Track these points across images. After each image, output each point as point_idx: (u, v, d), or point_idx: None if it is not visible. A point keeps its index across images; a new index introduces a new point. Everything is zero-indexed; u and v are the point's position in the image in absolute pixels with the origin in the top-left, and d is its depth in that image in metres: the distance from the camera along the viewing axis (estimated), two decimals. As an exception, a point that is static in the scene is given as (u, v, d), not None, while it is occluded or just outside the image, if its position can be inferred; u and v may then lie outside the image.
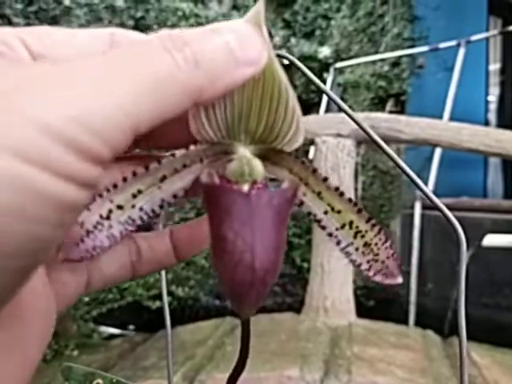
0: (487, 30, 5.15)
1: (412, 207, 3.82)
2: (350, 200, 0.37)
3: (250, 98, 0.32)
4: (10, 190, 0.22)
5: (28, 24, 3.40)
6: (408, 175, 0.40)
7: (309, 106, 4.23)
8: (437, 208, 0.39)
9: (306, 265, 3.71)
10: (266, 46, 0.30)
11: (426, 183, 3.97)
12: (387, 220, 4.34)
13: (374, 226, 0.37)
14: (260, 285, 0.31)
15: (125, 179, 0.34)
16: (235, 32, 0.29)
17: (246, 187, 0.34)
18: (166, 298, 0.54)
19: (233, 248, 0.31)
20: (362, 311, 3.15)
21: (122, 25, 3.61)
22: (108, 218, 0.34)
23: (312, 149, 3.21)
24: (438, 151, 3.90)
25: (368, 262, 0.38)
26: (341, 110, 0.43)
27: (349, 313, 3.07)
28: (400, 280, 0.39)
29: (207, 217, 0.34)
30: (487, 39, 5.08)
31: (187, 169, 0.35)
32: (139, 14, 3.73)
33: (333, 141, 3.00)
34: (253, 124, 0.34)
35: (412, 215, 3.83)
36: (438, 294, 3.69)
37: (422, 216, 3.74)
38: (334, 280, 3.04)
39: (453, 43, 4.17)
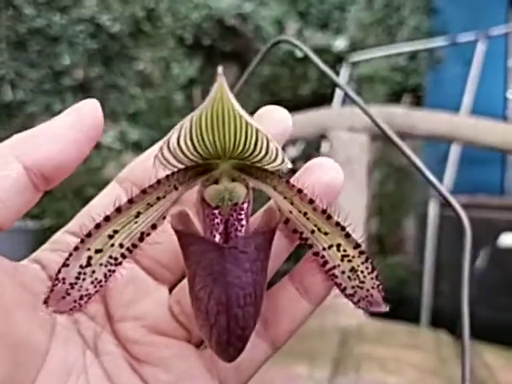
0: (506, 24, 5.05)
1: (426, 205, 3.74)
2: (337, 223, 0.35)
3: (218, 128, 0.30)
4: None
5: (39, 16, 3.38)
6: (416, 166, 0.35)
7: (322, 100, 4.16)
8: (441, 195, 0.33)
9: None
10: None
11: (441, 180, 3.89)
12: (401, 218, 4.26)
13: (361, 253, 0.36)
14: (237, 341, 0.30)
15: (97, 226, 0.32)
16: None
17: (218, 237, 0.33)
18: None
19: (206, 309, 0.29)
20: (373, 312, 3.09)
21: (134, 15, 3.58)
22: (88, 265, 0.34)
23: (324, 143, 3.15)
24: (454, 148, 3.82)
25: (353, 287, 0.37)
26: (354, 102, 0.41)
27: (359, 312, 3.01)
28: (386, 308, 0.38)
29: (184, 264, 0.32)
30: (506, 35, 4.98)
31: (162, 200, 0.33)
32: (151, 5, 3.69)
33: (345, 135, 2.93)
34: (229, 145, 0.31)
35: (426, 214, 3.76)
36: (453, 295, 3.61)
37: (438, 215, 3.67)
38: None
39: (471, 37, 4.07)
